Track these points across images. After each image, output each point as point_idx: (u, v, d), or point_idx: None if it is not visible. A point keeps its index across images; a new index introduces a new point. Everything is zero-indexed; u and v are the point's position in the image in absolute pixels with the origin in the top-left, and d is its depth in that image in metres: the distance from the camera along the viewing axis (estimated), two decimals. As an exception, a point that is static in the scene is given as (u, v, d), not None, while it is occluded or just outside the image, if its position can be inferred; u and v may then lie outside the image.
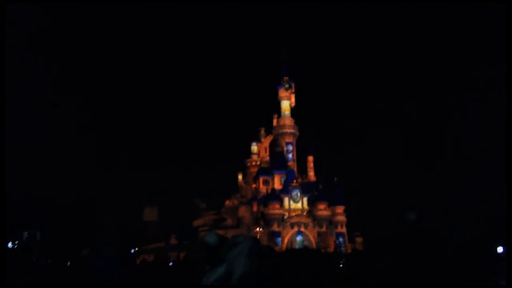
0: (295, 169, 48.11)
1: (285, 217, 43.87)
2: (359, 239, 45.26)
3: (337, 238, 44.78)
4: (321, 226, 44.44)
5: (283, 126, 49.54)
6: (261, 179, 48.22)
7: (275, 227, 42.89)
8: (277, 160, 48.40)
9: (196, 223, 49.26)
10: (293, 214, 44.37)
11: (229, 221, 48.46)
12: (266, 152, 52.63)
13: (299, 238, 42.95)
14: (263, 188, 47.04)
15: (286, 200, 44.80)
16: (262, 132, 53.81)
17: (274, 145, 50.69)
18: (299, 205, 45.24)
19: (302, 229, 43.60)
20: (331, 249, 41.88)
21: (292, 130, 49.49)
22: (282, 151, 48.58)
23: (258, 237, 4.62)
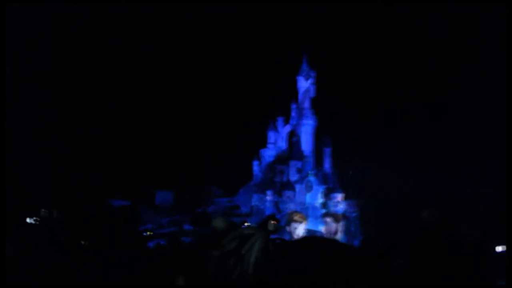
0: (312, 160, 47.87)
1: (299, 208, 43.76)
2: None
3: (351, 231, 44.56)
4: (335, 218, 44.22)
5: (302, 116, 49.23)
6: (277, 169, 48.19)
7: (288, 217, 42.78)
8: (294, 150, 48.24)
9: (210, 209, 49.47)
10: (307, 205, 44.36)
11: (243, 209, 48.54)
12: (283, 141, 52.45)
13: (312, 230, 42.81)
14: (278, 178, 47.05)
15: (301, 190, 44.74)
16: (280, 121, 53.51)
17: (291, 135, 50.52)
18: (314, 196, 45.15)
19: (316, 221, 43.45)
20: (345, 241, 41.66)
21: (310, 121, 49.16)
22: (300, 142, 48.36)
23: (271, 226, 4.46)
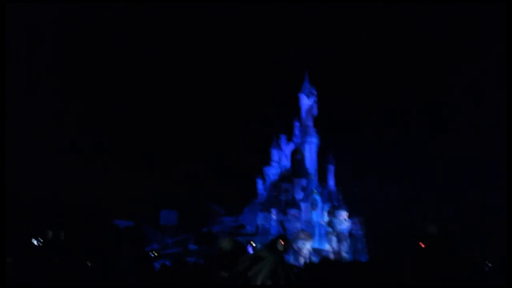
0: (316, 178, 47.78)
1: (305, 226, 43.54)
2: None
3: (358, 248, 44.27)
4: (340, 236, 44.00)
5: (305, 134, 49.28)
6: (281, 187, 48.09)
7: (294, 236, 42.58)
8: (298, 168, 48.17)
9: (215, 229, 49.25)
10: (313, 223, 44.15)
11: (248, 228, 48.31)
12: (287, 160, 52.40)
13: (318, 248, 42.54)
14: (283, 196, 46.91)
15: (306, 208, 44.52)
16: (283, 139, 53.52)
17: (295, 152, 50.47)
18: (319, 214, 44.92)
19: (321, 240, 43.27)
20: (350, 259, 41.37)
21: (314, 139, 49.17)
22: (303, 160, 48.32)
23: (281, 246, 4.48)
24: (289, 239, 4.78)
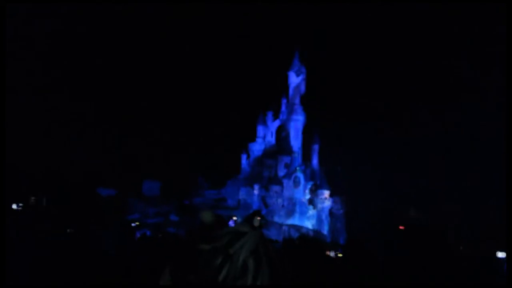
0: (300, 156, 48.04)
1: (286, 202, 43.97)
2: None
3: (337, 227, 44.91)
4: (321, 215, 44.56)
5: (291, 111, 49.31)
6: (265, 163, 48.28)
7: (275, 213, 43.05)
8: (282, 145, 48.36)
9: (196, 201, 49.42)
10: (294, 200, 44.60)
11: (230, 202, 48.59)
12: (272, 136, 52.50)
13: (298, 225, 43.08)
14: (266, 172, 47.15)
15: (288, 185, 44.88)
16: (270, 115, 53.52)
17: (281, 130, 50.59)
18: (301, 191, 45.34)
19: (302, 217, 43.81)
20: (329, 239, 42.08)
21: (300, 117, 49.24)
22: (289, 137, 48.47)
23: (256, 222, 4.51)
24: (264, 215, 4.81)
